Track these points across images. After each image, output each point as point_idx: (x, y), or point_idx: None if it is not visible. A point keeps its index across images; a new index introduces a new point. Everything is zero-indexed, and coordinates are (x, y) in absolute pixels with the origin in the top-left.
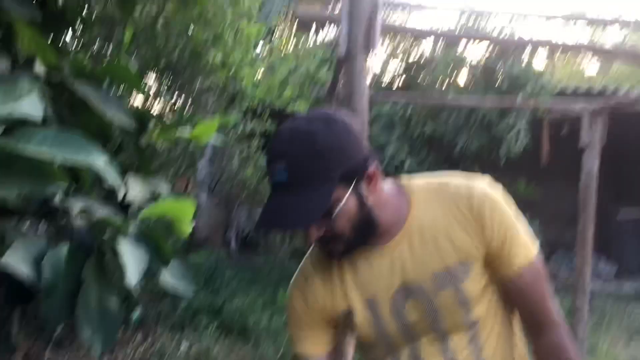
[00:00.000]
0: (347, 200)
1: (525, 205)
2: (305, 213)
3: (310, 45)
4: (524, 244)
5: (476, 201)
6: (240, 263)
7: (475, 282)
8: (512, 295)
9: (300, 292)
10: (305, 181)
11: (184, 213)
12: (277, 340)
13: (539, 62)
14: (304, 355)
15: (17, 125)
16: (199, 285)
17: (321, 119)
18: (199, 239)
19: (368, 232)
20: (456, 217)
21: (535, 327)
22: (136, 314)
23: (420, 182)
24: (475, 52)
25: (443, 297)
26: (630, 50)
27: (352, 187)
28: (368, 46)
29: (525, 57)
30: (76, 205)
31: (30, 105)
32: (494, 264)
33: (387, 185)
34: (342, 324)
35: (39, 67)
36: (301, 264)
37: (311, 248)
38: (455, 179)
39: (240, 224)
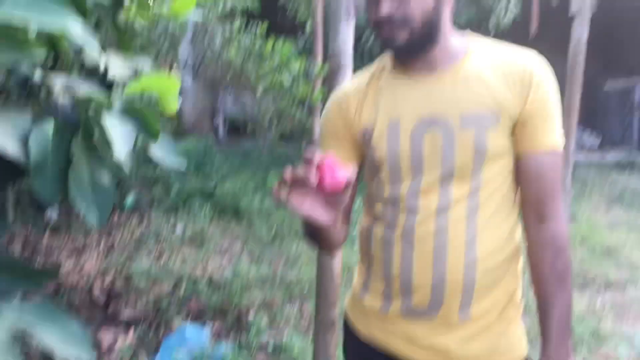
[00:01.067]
0: None
1: None
2: None
3: None
4: (555, 131)
5: (529, 66)
6: (229, 148)
7: (498, 136)
8: (526, 175)
9: (337, 103)
10: None
11: (169, 89)
12: (269, 220)
13: None
14: None
15: None
16: (190, 169)
17: None
18: (186, 125)
19: (429, 37)
20: (505, 73)
21: (538, 216)
22: (130, 198)
23: (482, 38)
24: None
25: (464, 136)
26: None
27: None
28: None
29: None
30: (58, 82)
31: None
32: (522, 134)
33: (453, 31)
34: (362, 147)
35: None
36: (345, 82)
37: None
38: (515, 47)
39: (227, 108)
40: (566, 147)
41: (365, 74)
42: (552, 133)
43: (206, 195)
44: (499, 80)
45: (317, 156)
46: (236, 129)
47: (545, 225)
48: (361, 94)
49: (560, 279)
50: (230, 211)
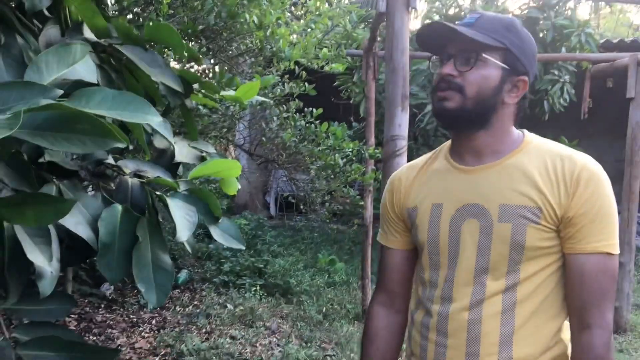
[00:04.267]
0: (493, 67)
1: None
2: (463, 34)
3: (346, 3)
4: (608, 234)
5: (579, 168)
6: (280, 225)
7: (538, 233)
8: (570, 278)
9: (391, 187)
10: (482, 29)
11: (231, 173)
12: (319, 300)
13: (583, 13)
14: (384, 246)
15: (72, 89)
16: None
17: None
18: (239, 203)
19: (479, 117)
20: (553, 173)
21: (580, 322)
22: (183, 274)
23: (539, 138)
24: (516, 3)
25: (501, 229)
26: None
27: (503, 68)
28: (408, 2)
29: (569, 7)
30: (129, 166)
31: (85, 69)
32: (568, 234)
33: (513, 129)
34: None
35: (88, 32)
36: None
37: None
38: (568, 148)
39: (280, 187)
40: (629, 231)
41: (422, 159)
42: (600, 235)
43: (257, 272)
44: (544, 178)
45: None
46: (289, 206)
47: (586, 332)
48: (412, 176)
49: None
50: (280, 289)
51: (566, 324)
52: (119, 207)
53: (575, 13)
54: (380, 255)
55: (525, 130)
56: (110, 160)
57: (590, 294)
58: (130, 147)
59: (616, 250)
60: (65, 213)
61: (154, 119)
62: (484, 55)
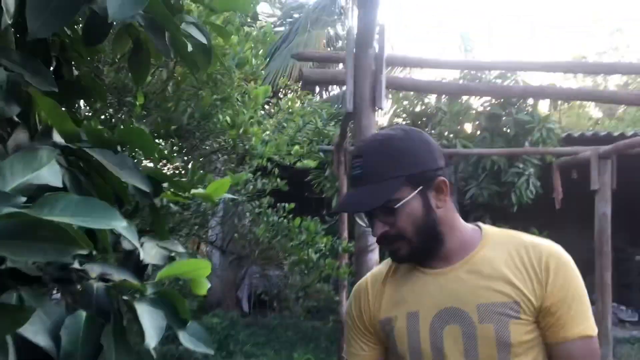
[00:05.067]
0: (411, 201)
1: None
2: (366, 200)
3: (317, 102)
4: (585, 317)
5: (546, 255)
6: (255, 323)
7: (521, 328)
8: None
9: (356, 298)
10: (374, 177)
11: (200, 273)
12: None
13: (544, 108)
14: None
15: (37, 194)
16: (214, 348)
17: (404, 128)
18: (211, 300)
19: (432, 242)
20: (521, 264)
21: None
22: None
23: (496, 229)
24: (479, 101)
25: (484, 330)
26: (634, 94)
27: (418, 190)
28: (374, 102)
29: (529, 104)
30: (94, 270)
31: (50, 173)
32: (548, 324)
33: (463, 223)
34: (383, 339)
35: (57, 136)
36: (368, 273)
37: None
38: (529, 236)
39: (253, 283)
40: (604, 322)
41: (384, 265)
42: (579, 319)
43: None
44: (514, 271)
45: None
46: (262, 303)
47: None
48: (379, 285)
49: None
50: None
51: None
52: (82, 314)
53: (536, 109)
54: None
55: (479, 223)
56: (75, 264)
57: None
58: (94, 253)
59: (596, 330)
60: (23, 323)
61: (118, 224)
62: (395, 201)
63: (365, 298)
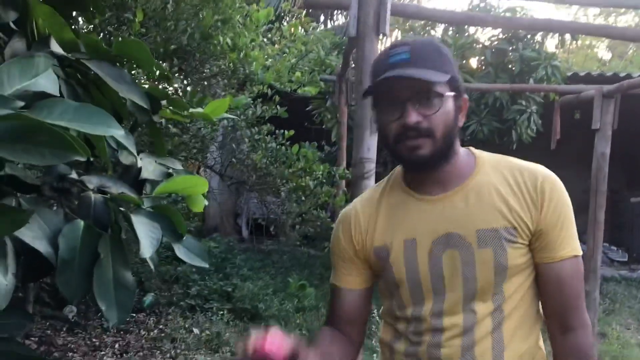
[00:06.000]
0: (450, 100)
1: None
2: (425, 75)
3: (321, 30)
4: (574, 238)
5: (540, 179)
6: (251, 249)
7: (516, 251)
8: (547, 286)
9: (345, 223)
10: (426, 63)
11: (197, 190)
12: (288, 325)
13: (551, 46)
14: (337, 286)
15: (34, 101)
16: (211, 269)
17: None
18: (210, 225)
19: (449, 151)
20: (517, 187)
21: (562, 326)
22: (149, 297)
23: (488, 153)
24: (486, 35)
25: (483, 255)
26: None
27: (454, 96)
28: (378, 28)
29: (537, 40)
30: (92, 182)
31: (47, 81)
32: (540, 245)
33: (460, 147)
34: (375, 266)
35: (55, 46)
36: (356, 198)
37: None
38: (522, 161)
39: (251, 209)
40: (594, 260)
41: (375, 190)
42: (572, 241)
43: (225, 296)
44: (510, 194)
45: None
46: (259, 229)
47: (570, 335)
48: (373, 212)
49: None
50: (248, 314)
51: (540, 331)
52: (80, 223)
53: (543, 46)
54: (330, 296)
55: (471, 147)
56: (73, 175)
57: (569, 297)
58: (93, 163)
59: (581, 250)
60: (22, 225)
61: (116, 132)
62: (441, 92)
63: (355, 223)
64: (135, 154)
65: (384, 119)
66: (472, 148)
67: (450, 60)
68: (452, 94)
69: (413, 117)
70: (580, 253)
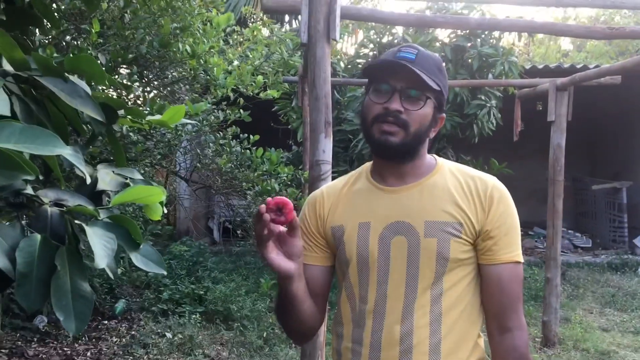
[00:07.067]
0: (429, 108)
1: None
2: (424, 76)
3: (285, 31)
4: (517, 245)
5: (491, 188)
6: (223, 251)
7: (459, 246)
8: (487, 287)
9: (312, 204)
10: (427, 69)
11: (153, 199)
12: (261, 325)
13: (509, 41)
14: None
15: None
16: (182, 274)
17: None
18: (181, 229)
19: (416, 148)
20: (468, 191)
21: (502, 325)
22: (120, 305)
23: (449, 161)
24: (445, 32)
25: (427, 244)
26: (583, 27)
27: (434, 107)
28: (329, 33)
29: (494, 36)
30: (49, 195)
31: None
32: (485, 247)
33: (425, 151)
34: (331, 244)
35: (6, 65)
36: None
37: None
38: (476, 171)
39: (221, 212)
40: (554, 247)
41: (341, 180)
42: (514, 248)
43: (197, 299)
44: (461, 196)
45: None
46: (227, 231)
47: (507, 335)
48: (335, 195)
49: None
50: (221, 316)
51: (479, 332)
52: (37, 237)
53: (500, 42)
54: None
55: (435, 155)
56: (29, 190)
57: (508, 299)
58: (41, 178)
59: (522, 259)
60: None
61: (62, 151)
62: (428, 96)
63: (320, 205)
64: (84, 170)
65: (371, 99)
66: (436, 155)
67: (445, 78)
68: (435, 104)
69: (396, 105)
70: (522, 260)
